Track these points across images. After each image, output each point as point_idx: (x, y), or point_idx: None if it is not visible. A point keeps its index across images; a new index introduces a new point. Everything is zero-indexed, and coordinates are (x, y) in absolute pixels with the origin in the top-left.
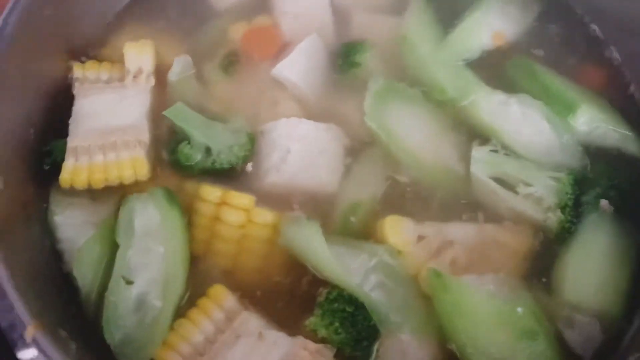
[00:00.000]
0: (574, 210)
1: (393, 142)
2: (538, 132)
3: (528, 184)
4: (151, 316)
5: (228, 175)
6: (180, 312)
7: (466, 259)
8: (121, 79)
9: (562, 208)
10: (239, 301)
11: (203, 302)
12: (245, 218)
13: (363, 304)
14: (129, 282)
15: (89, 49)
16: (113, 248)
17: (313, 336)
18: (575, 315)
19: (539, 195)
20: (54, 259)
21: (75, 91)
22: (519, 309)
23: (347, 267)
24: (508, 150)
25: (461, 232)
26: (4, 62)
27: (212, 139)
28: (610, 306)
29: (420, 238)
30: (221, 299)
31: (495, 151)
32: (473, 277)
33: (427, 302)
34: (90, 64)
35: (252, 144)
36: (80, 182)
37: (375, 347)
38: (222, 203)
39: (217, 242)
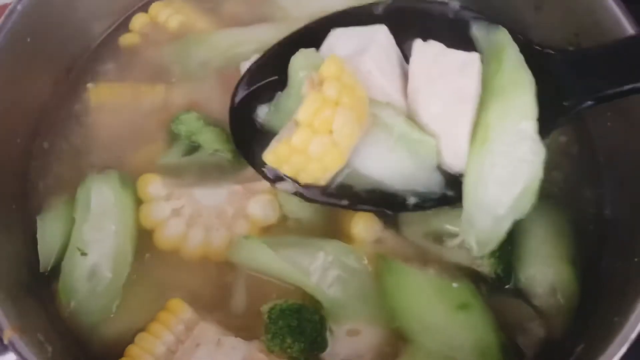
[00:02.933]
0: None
1: None
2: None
3: (453, 234)
4: (102, 285)
5: None
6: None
7: None
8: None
9: (491, 253)
10: (196, 312)
11: (163, 315)
12: None
13: (304, 306)
14: (84, 254)
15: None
16: (72, 224)
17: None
18: (532, 290)
19: (466, 243)
20: (32, 267)
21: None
22: (455, 284)
23: (304, 269)
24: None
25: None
26: None
27: None
28: (562, 276)
29: (378, 241)
30: (179, 311)
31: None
32: (416, 265)
33: (378, 288)
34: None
35: None
36: None
37: (328, 337)
38: None
39: None
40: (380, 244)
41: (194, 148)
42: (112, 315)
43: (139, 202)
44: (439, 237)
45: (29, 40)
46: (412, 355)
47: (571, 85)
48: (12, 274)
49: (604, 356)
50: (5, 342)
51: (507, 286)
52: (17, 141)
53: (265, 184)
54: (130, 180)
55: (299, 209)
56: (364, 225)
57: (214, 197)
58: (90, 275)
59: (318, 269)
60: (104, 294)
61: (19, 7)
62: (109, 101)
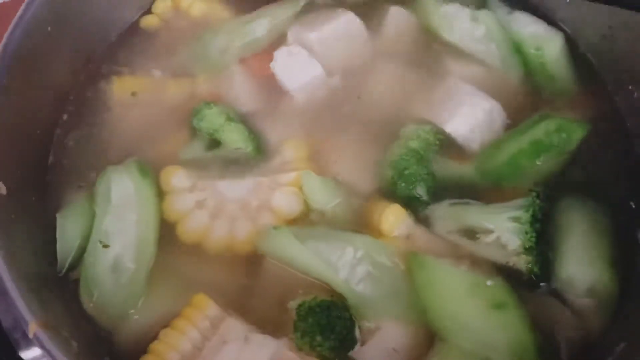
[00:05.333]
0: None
1: None
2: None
3: (488, 231)
4: (126, 277)
5: None
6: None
7: None
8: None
9: (527, 250)
10: (221, 308)
11: (187, 311)
12: None
13: (333, 303)
14: (106, 246)
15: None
16: (92, 217)
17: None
18: (570, 289)
19: (503, 240)
20: (53, 263)
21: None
22: (489, 282)
23: (332, 264)
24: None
25: (444, 248)
26: (9, 76)
27: None
28: (601, 276)
29: (409, 237)
30: (205, 307)
31: (454, 204)
32: (449, 261)
33: (409, 286)
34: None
35: None
36: None
37: (357, 334)
38: None
39: None
40: (411, 239)
41: (215, 143)
42: (135, 310)
43: (162, 193)
44: (473, 234)
45: (49, 29)
46: (445, 354)
47: None
48: (33, 268)
49: None
50: (30, 336)
51: (542, 284)
52: (37, 132)
53: (291, 176)
54: (149, 168)
55: (325, 201)
56: (394, 220)
57: (238, 189)
58: (114, 267)
59: (347, 265)
60: (128, 285)
61: None
62: (133, 94)
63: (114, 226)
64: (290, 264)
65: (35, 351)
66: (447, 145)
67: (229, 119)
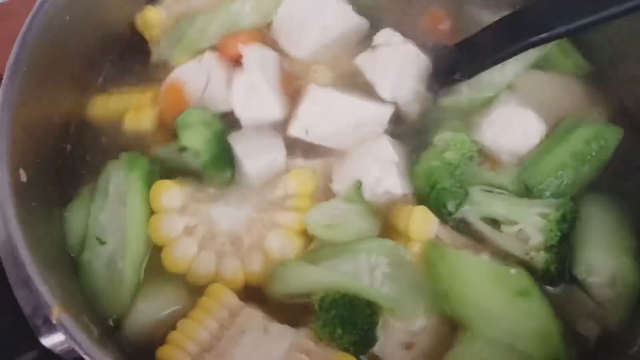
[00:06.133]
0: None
1: None
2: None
3: (513, 222)
4: (117, 274)
5: None
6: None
7: None
8: None
9: (548, 248)
10: (239, 298)
11: (204, 301)
12: None
13: (356, 297)
14: (102, 243)
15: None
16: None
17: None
18: (591, 279)
19: (525, 233)
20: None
21: None
22: (512, 271)
23: (353, 274)
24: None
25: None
26: (29, 64)
27: None
28: (623, 266)
29: (436, 239)
30: (222, 297)
31: (489, 191)
32: (469, 252)
33: (429, 278)
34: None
35: None
36: None
37: (379, 331)
38: None
39: None
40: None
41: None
42: (130, 307)
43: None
44: (496, 224)
45: (67, 18)
46: (470, 343)
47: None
48: (53, 255)
49: None
50: (54, 320)
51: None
52: (55, 121)
53: (289, 217)
54: (141, 161)
55: (337, 237)
56: (423, 224)
57: (232, 220)
58: (109, 264)
59: (366, 272)
60: (118, 282)
61: None
62: (104, 114)
63: (110, 222)
64: (312, 290)
65: (57, 337)
66: (482, 153)
67: (205, 122)
